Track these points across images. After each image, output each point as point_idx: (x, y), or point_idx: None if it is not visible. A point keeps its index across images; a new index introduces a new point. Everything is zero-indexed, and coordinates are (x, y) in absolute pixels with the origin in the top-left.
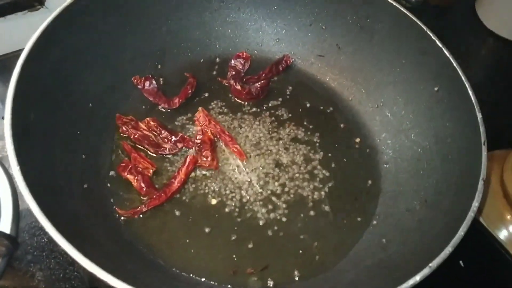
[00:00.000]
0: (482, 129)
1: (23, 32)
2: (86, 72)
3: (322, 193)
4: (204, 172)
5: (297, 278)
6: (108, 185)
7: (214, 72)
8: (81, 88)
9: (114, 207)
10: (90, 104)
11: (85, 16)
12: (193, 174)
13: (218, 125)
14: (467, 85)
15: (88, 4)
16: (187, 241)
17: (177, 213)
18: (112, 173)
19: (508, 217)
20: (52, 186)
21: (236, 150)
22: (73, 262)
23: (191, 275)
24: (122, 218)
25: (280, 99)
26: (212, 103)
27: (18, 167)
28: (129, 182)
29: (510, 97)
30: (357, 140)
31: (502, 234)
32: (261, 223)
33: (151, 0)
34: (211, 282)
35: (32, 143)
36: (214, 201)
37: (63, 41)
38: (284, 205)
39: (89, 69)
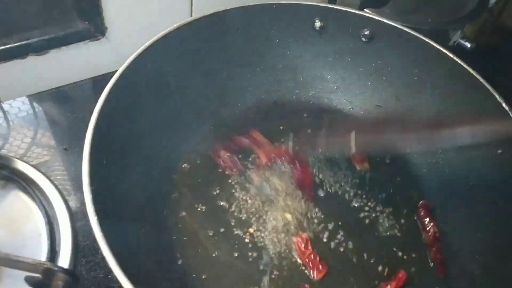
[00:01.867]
0: None
1: (85, 62)
2: (151, 115)
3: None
4: None
5: None
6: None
7: None
8: (145, 130)
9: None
10: (151, 147)
11: (156, 61)
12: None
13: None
14: None
15: (158, 50)
16: None
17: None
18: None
19: None
20: (116, 228)
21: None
22: None
23: None
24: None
25: None
26: None
27: (95, 214)
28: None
29: None
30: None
31: None
32: None
33: (216, 48)
34: None
35: (102, 186)
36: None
37: (135, 85)
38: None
39: (153, 112)
